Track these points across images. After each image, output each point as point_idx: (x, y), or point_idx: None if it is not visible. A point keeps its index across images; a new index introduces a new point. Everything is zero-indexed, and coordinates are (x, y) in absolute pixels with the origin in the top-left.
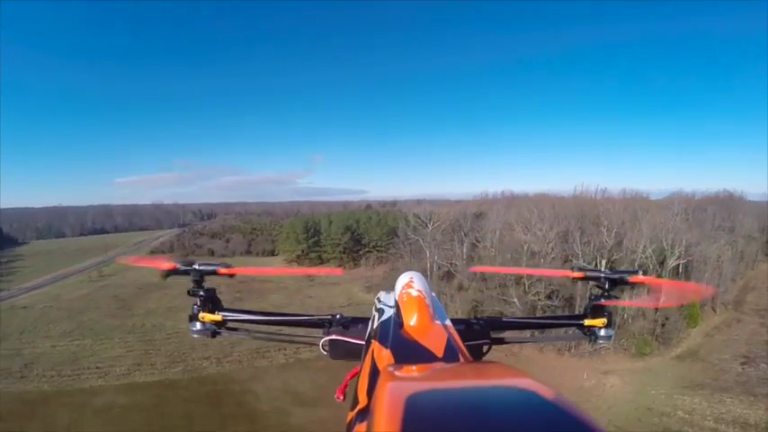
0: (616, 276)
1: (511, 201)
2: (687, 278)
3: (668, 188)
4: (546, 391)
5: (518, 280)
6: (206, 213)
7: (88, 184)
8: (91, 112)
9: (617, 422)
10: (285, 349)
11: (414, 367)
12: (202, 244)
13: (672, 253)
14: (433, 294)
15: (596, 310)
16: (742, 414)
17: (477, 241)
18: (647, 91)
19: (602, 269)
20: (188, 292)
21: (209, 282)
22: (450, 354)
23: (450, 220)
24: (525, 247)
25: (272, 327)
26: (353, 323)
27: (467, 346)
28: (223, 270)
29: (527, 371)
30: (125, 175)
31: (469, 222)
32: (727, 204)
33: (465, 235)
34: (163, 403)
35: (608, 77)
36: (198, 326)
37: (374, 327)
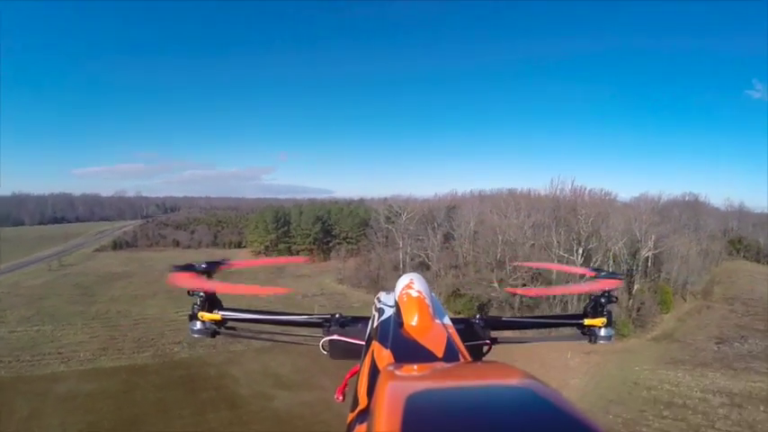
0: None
1: (483, 198)
2: (658, 269)
3: (633, 193)
4: (546, 391)
5: (500, 265)
6: (169, 206)
7: (47, 174)
8: (50, 98)
9: (608, 396)
10: None
11: (414, 367)
12: (167, 235)
13: (644, 245)
14: (433, 295)
15: (596, 310)
16: (726, 385)
17: (451, 230)
18: (614, 95)
19: (610, 270)
20: (188, 292)
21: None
22: (450, 354)
23: (423, 211)
24: (501, 237)
25: (271, 326)
26: (353, 323)
27: (467, 346)
28: (223, 266)
29: (527, 371)
30: (85, 165)
31: (443, 214)
32: (693, 206)
33: (438, 226)
34: (133, 389)
35: (570, 80)
36: (198, 325)
37: (374, 327)
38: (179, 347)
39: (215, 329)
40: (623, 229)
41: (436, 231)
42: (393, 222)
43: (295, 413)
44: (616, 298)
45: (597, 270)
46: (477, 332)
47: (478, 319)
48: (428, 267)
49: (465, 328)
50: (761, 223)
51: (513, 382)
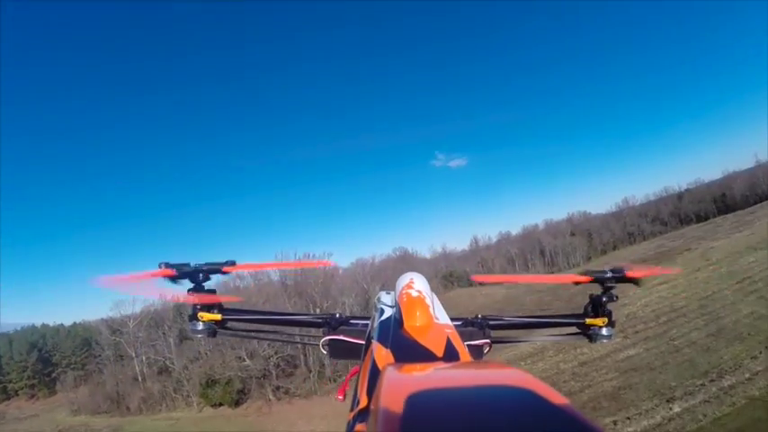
0: (619, 275)
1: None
2: None
3: (351, 259)
4: (545, 391)
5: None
6: None
7: None
8: None
9: None
10: None
11: (414, 367)
12: None
13: (372, 293)
14: (434, 294)
15: (596, 310)
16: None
17: (184, 327)
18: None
19: (606, 269)
20: (188, 292)
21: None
22: (450, 353)
23: (150, 314)
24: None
25: (271, 326)
26: (353, 323)
27: (467, 346)
28: (227, 268)
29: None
30: None
31: (172, 314)
32: (404, 258)
33: (169, 327)
34: None
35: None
36: (199, 326)
37: (374, 326)
38: None
39: (215, 329)
40: (350, 285)
41: (169, 333)
42: (121, 333)
43: None
44: (616, 297)
45: (596, 272)
46: (477, 332)
47: (479, 318)
48: (169, 371)
49: (465, 327)
50: (463, 257)
51: (513, 381)
